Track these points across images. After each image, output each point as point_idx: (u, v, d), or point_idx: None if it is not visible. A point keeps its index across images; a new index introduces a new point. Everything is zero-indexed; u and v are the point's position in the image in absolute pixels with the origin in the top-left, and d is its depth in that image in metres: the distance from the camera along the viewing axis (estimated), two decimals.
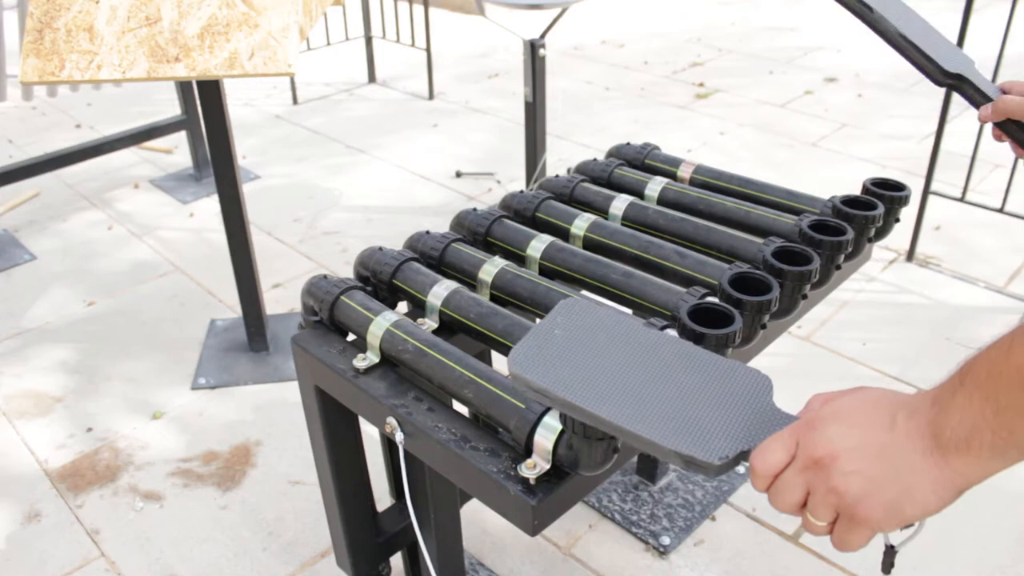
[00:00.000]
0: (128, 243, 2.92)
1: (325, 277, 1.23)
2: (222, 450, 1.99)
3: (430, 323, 1.18)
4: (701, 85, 4.22)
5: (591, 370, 0.76)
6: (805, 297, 1.14)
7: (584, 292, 1.19)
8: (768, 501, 0.68)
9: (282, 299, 2.56)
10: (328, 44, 4.37)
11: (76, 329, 2.46)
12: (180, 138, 3.58)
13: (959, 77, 1.06)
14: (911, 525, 0.66)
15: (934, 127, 2.52)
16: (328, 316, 1.19)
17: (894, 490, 0.62)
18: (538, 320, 1.16)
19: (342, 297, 1.19)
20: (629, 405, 0.73)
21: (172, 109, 3.48)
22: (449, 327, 1.17)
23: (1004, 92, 1.05)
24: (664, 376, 0.75)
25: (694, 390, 0.74)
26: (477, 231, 1.32)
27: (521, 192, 1.41)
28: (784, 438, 0.67)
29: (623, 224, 1.35)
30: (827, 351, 2.24)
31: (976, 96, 1.06)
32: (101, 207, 3.18)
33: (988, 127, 1.07)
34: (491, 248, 1.32)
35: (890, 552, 0.73)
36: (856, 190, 1.31)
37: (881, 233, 1.29)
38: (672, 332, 0.84)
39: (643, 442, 0.71)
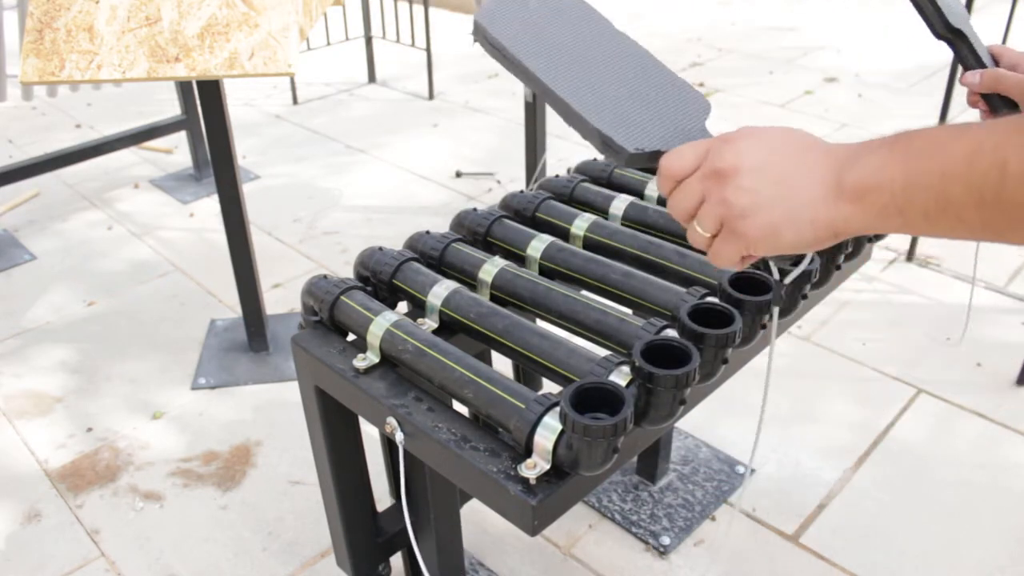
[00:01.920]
0: (128, 243, 2.92)
1: (325, 277, 1.23)
2: (222, 450, 1.99)
3: (430, 323, 1.18)
4: (701, 85, 4.22)
5: (551, 44, 0.79)
6: (805, 297, 1.14)
7: (584, 292, 1.19)
8: (667, 207, 0.71)
9: (282, 299, 2.56)
10: (328, 44, 4.37)
11: (76, 329, 2.46)
12: (180, 138, 3.58)
13: (959, 33, 1.00)
14: (797, 263, 0.69)
15: None
16: (328, 316, 1.19)
17: (778, 214, 0.64)
18: (539, 321, 1.16)
19: (342, 297, 1.19)
20: (574, 82, 0.76)
21: (172, 109, 3.48)
22: (449, 327, 1.17)
23: (994, 58, 1.01)
24: (616, 70, 0.78)
25: (639, 89, 0.76)
26: (477, 231, 1.32)
27: (521, 192, 1.41)
28: (696, 147, 0.69)
29: (623, 224, 1.35)
30: (827, 351, 2.24)
31: (970, 58, 1.01)
32: (101, 207, 3.18)
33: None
34: (491, 248, 1.32)
35: (778, 286, 0.79)
36: None
37: (881, 233, 1.29)
38: (628, 38, 0.84)
39: (572, 115, 0.74)
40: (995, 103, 1.00)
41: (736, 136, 0.67)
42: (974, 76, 1.00)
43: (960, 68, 1.04)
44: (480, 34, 0.78)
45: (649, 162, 0.71)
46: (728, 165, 0.65)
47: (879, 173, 0.60)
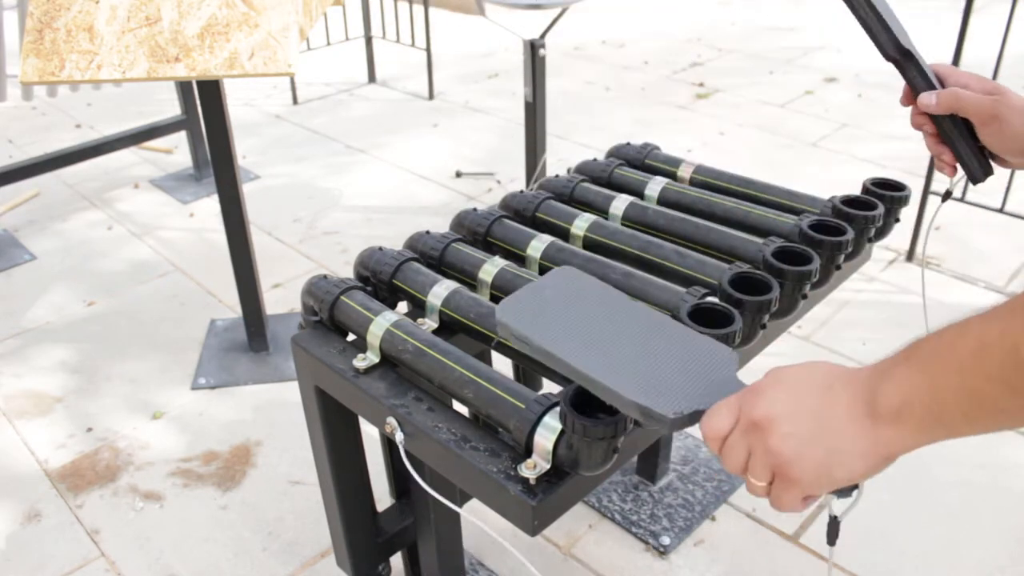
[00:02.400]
0: (128, 243, 2.92)
1: (325, 277, 1.23)
2: (222, 450, 2.00)
3: (430, 323, 1.18)
4: (701, 85, 4.23)
5: (571, 327, 0.84)
6: (805, 297, 1.14)
7: None
8: (721, 463, 0.73)
9: (282, 299, 2.56)
10: (328, 44, 4.37)
11: (76, 329, 2.46)
12: (180, 138, 3.58)
13: (908, 54, 1.02)
14: (849, 495, 0.69)
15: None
16: (328, 316, 1.19)
17: (823, 453, 0.65)
18: None
19: (342, 297, 1.19)
20: (600, 359, 0.79)
21: (172, 109, 3.48)
22: (449, 327, 1.17)
23: (940, 79, 1.01)
24: (638, 340, 0.82)
25: (663, 354, 0.79)
26: (477, 231, 1.32)
27: (521, 192, 1.40)
28: (731, 403, 0.71)
29: (623, 224, 1.35)
30: (827, 351, 2.24)
31: (918, 79, 1.01)
32: (101, 207, 3.18)
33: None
34: (491, 248, 1.32)
35: (833, 523, 0.76)
36: (856, 190, 1.31)
37: (881, 233, 1.29)
38: (644, 307, 0.89)
39: (606, 391, 0.77)
40: (944, 125, 0.99)
41: (764, 385, 0.70)
42: (929, 97, 0.99)
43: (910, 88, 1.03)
44: (505, 330, 0.84)
45: (691, 423, 0.74)
46: (763, 416, 0.67)
47: (905, 391, 0.61)
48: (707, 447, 0.73)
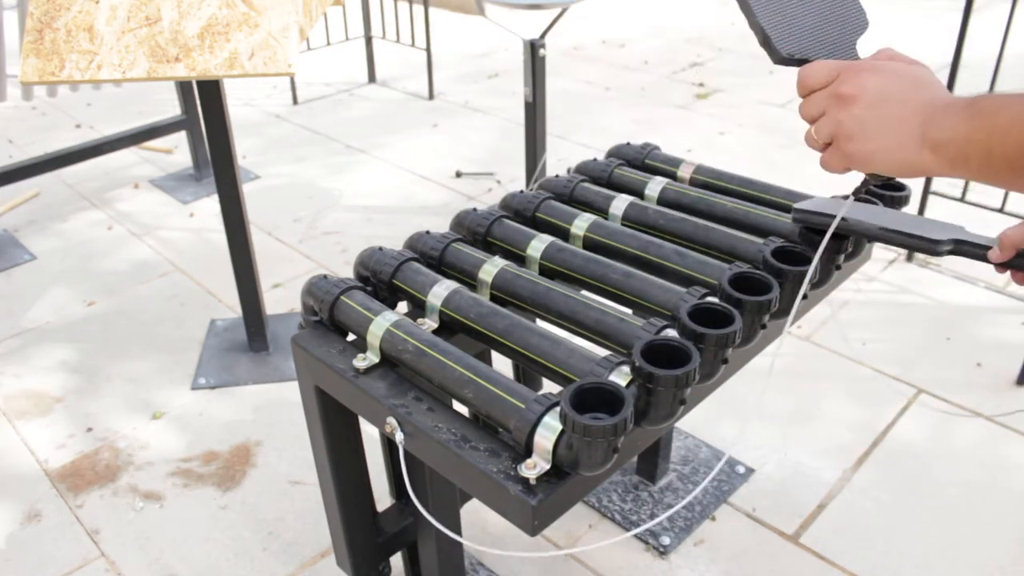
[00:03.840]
0: (128, 243, 2.92)
1: (325, 277, 1.23)
2: (222, 450, 2.00)
3: (430, 323, 1.18)
4: (701, 85, 4.23)
5: None
6: (805, 297, 1.14)
7: (584, 292, 1.19)
8: (798, 111, 0.86)
9: (282, 299, 2.56)
10: (328, 44, 4.38)
11: (76, 329, 2.46)
12: (180, 138, 3.58)
13: (955, 240, 1.05)
14: (883, 177, 0.85)
15: None
16: (328, 316, 1.19)
17: (875, 146, 0.79)
18: (539, 321, 1.16)
19: (342, 297, 1.19)
20: None
21: (172, 109, 3.48)
22: (449, 327, 1.17)
23: (1005, 240, 1.01)
24: None
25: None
26: (477, 231, 1.32)
27: (521, 192, 1.40)
28: (831, 66, 0.83)
29: (623, 224, 1.35)
30: (827, 351, 2.24)
31: (976, 250, 1.03)
32: (101, 207, 3.18)
33: None
34: (491, 248, 1.32)
35: (865, 183, 0.91)
36: None
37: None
38: None
39: (747, 7, 0.85)
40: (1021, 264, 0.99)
41: (863, 67, 0.81)
42: (994, 253, 1.01)
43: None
44: None
45: (796, 64, 0.84)
46: (848, 92, 0.80)
47: (950, 131, 0.74)
48: (797, 90, 0.86)
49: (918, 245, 1.07)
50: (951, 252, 1.06)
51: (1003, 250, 1.01)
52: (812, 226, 1.15)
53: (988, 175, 0.73)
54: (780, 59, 0.84)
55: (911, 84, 0.79)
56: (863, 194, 0.90)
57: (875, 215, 1.11)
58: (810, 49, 0.84)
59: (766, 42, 0.84)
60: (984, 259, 1.04)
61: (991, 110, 0.72)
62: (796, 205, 1.11)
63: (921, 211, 2.60)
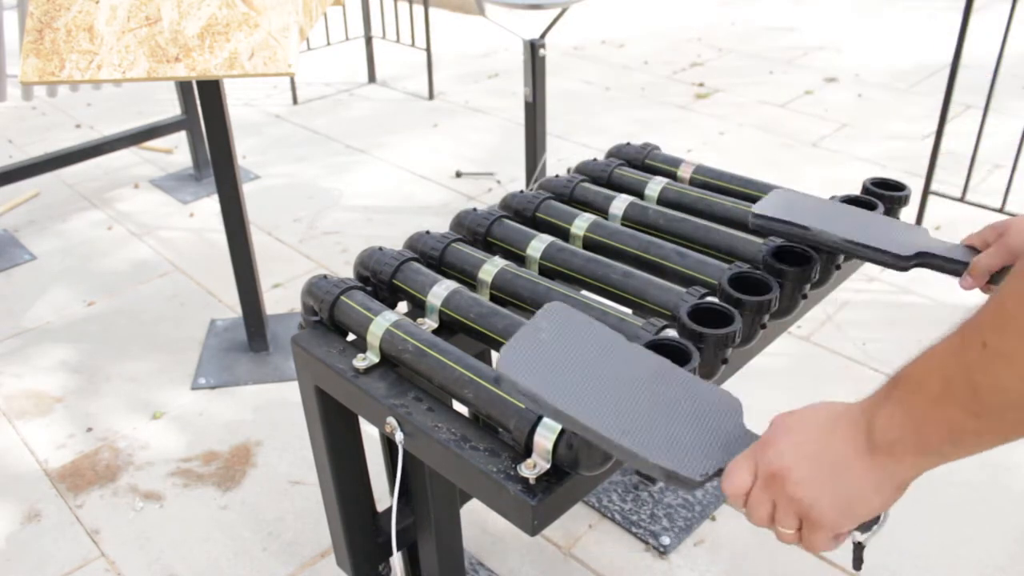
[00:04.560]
0: (128, 243, 2.92)
1: (325, 277, 1.23)
2: (222, 450, 1.99)
3: (430, 323, 1.18)
4: (701, 85, 4.22)
5: (575, 377, 0.81)
6: (805, 297, 1.14)
7: (584, 292, 1.19)
8: (749, 519, 0.74)
9: (282, 299, 2.56)
10: (328, 44, 4.37)
11: (76, 329, 2.46)
12: (180, 138, 3.58)
13: (921, 255, 1.04)
14: (876, 521, 0.72)
15: (934, 127, 2.52)
16: (328, 316, 1.19)
17: (840, 492, 0.68)
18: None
19: (342, 297, 1.19)
20: (613, 416, 0.77)
21: (172, 109, 3.48)
22: (449, 327, 1.17)
23: (970, 248, 1.03)
24: (645, 390, 0.80)
25: (673, 406, 0.79)
26: (477, 231, 1.32)
27: (521, 192, 1.40)
28: (746, 459, 0.73)
29: (623, 224, 1.35)
30: (827, 351, 2.24)
31: (946, 265, 1.04)
32: (101, 207, 3.18)
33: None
34: (491, 248, 1.32)
35: (858, 548, 0.76)
36: (856, 190, 1.31)
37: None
38: (641, 349, 0.86)
39: (628, 455, 0.75)
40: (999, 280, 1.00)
41: (772, 437, 0.72)
42: (966, 281, 1.02)
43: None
44: (509, 386, 0.81)
45: (713, 480, 0.75)
46: (777, 468, 0.70)
47: (894, 427, 0.65)
48: (731, 504, 0.74)
49: (883, 260, 1.04)
50: (919, 266, 1.05)
51: (975, 278, 1.01)
52: (773, 234, 1.11)
53: (968, 442, 0.62)
54: (697, 485, 0.74)
55: (823, 415, 0.71)
56: (860, 562, 0.76)
57: (840, 223, 1.06)
58: (717, 458, 0.75)
59: (674, 478, 0.74)
60: (953, 273, 1.03)
61: (917, 379, 0.64)
62: (755, 208, 1.05)
63: (921, 211, 2.60)
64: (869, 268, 2.60)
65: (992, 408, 0.58)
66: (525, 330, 0.86)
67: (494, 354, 1.47)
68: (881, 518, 0.72)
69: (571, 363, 0.82)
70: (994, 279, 1.00)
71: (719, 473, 0.74)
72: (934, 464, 0.65)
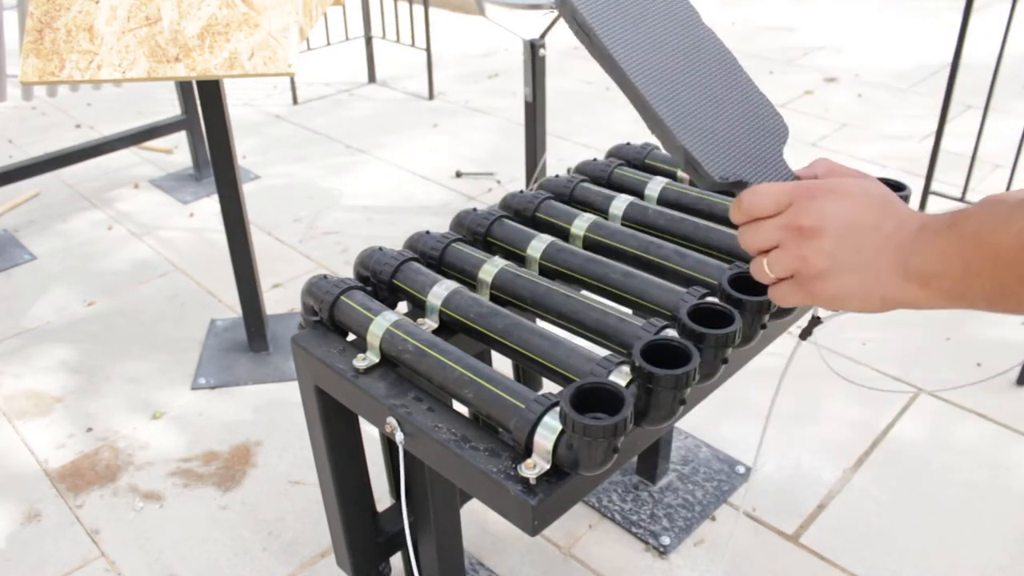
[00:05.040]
0: (128, 243, 2.92)
1: (325, 277, 1.23)
2: (222, 450, 1.99)
3: (430, 323, 1.18)
4: None
5: (640, 34, 0.74)
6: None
7: (584, 292, 1.19)
8: (738, 237, 0.72)
9: (282, 299, 2.56)
10: (328, 44, 4.37)
11: (76, 329, 2.46)
12: (180, 138, 3.58)
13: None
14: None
15: (934, 127, 2.52)
16: (328, 316, 1.19)
17: (851, 283, 0.68)
18: (539, 321, 1.16)
19: (342, 297, 1.19)
20: (662, 86, 0.72)
21: (172, 109, 3.48)
22: (449, 327, 1.17)
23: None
24: (703, 76, 0.74)
25: (723, 103, 0.73)
26: (477, 231, 1.32)
27: (521, 192, 1.41)
28: (781, 191, 0.69)
29: (623, 224, 1.35)
30: (827, 351, 2.24)
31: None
32: (101, 207, 3.18)
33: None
34: (491, 248, 1.32)
35: (814, 322, 0.77)
36: None
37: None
38: (715, 37, 0.78)
39: (659, 124, 0.71)
40: None
41: (821, 192, 0.68)
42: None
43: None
44: (567, 10, 0.72)
45: (730, 189, 0.71)
46: (811, 224, 0.67)
47: (940, 261, 0.62)
48: (730, 213, 0.71)
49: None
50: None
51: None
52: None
53: (1002, 305, 0.61)
54: (712, 184, 0.70)
55: (878, 206, 0.67)
56: (808, 334, 0.74)
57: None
58: (743, 170, 0.70)
59: (693, 166, 0.70)
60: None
61: (986, 230, 0.60)
62: None
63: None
64: None
65: None
66: None
67: (494, 354, 1.47)
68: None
69: (642, 17, 0.75)
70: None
71: (738, 185, 0.70)
72: (952, 307, 0.65)
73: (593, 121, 3.82)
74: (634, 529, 1.73)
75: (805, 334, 0.76)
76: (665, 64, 0.73)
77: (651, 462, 1.82)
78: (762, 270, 0.71)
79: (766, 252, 0.71)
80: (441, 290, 1.17)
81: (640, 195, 1.43)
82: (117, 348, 2.37)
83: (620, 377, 0.96)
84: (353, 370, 1.12)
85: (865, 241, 0.66)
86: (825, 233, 0.67)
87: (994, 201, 0.61)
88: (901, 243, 0.65)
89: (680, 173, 1.49)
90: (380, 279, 1.23)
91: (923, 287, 0.64)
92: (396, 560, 1.58)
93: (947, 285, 0.62)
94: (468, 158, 3.50)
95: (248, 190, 3.24)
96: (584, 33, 0.72)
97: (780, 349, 2.30)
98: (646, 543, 1.71)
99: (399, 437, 1.05)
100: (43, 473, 1.95)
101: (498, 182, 3.27)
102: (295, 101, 4.14)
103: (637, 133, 3.64)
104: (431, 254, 1.28)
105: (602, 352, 1.02)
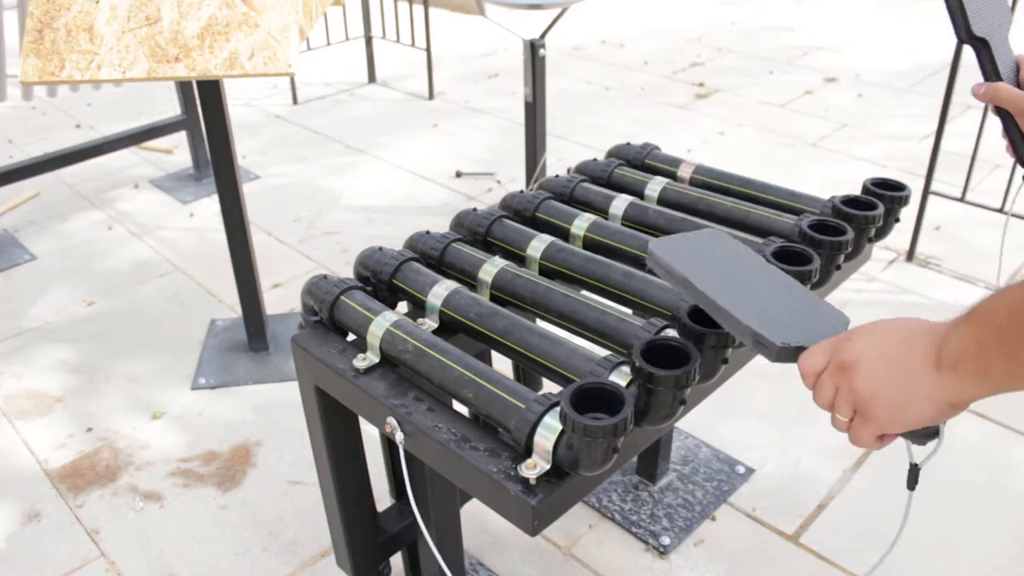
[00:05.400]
0: (128, 243, 2.92)
1: (325, 277, 1.23)
2: (222, 450, 1.99)
3: (430, 323, 1.18)
4: (701, 85, 4.22)
5: (709, 267, 0.95)
6: None
7: (584, 292, 1.19)
8: (813, 399, 0.82)
9: (282, 299, 2.56)
10: (328, 44, 4.37)
11: (76, 329, 2.46)
12: (180, 138, 3.58)
13: (983, 41, 1.03)
14: (923, 442, 0.79)
15: (934, 127, 2.52)
16: (328, 316, 1.19)
17: (899, 395, 0.74)
18: (539, 321, 1.16)
19: (342, 297, 1.19)
20: (727, 293, 0.91)
21: (172, 109, 3.48)
22: (449, 327, 1.17)
23: (1019, 67, 1.06)
24: (765, 287, 0.93)
25: (785, 302, 0.90)
26: (477, 231, 1.32)
27: (521, 192, 1.41)
28: (826, 345, 0.81)
29: (623, 224, 1.35)
30: None
31: (988, 67, 1.04)
32: (101, 207, 3.18)
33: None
34: (491, 248, 1.32)
35: (914, 469, 0.85)
36: (856, 190, 1.31)
37: (881, 233, 1.29)
38: (779, 272, 0.97)
39: (726, 316, 0.88)
40: (1000, 113, 1.06)
41: (855, 333, 0.78)
42: (979, 88, 1.06)
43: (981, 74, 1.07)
44: (653, 260, 0.97)
45: (793, 357, 0.83)
46: (850, 359, 0.76)
47: (961, 348, 0.69)
48: (803, 383, 0.82)
49: (956, 20, 1.02)
50: (974, 48, 1.04)
51: (986, 94, 1.03)
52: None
53: (1017, 376, 0.67)
54: (777, 352, 0.83)
55: (906, 327, 0.76)
56: (915, 482, 0.85)
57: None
58: (802, 338, 0.84)
59: (757, 340, 0.84)
60: (984, 77, 1.05)
61: (988, 309, 0.69)
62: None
63: (921, 211, 2.60)
64: (869, 268, 2.60)
65: None
66: (683, 234, 1.01)
67: (494, 354, 1.47)
68: (938, 440, 0.78)
69: (710, 259, 0.97)
70: (1000, 112, 1.05)
71: (799, 350, 0.82)
72: (991, 392, 0.70)
73: (593, 121, 3.82)
74: (634, 529, 1.73)
75: (911, 483, 0.86)
76: (730, 282, 0.93)
77: (651, 462, 1.82)
78: (836, 419, 0.79)
79: (833, 404, 0.79)
80: (441, 290, 1.17)
81: (640, 195, 1.43)
82: (117, 348, 2.37)
83: (620, 377, 0.96)
84: (353, 370, 1.12)
85: (899, 355, 0.74)
86: (862, 360, 0.75)
87: (1002, 289, 0.69)
88: (931, 344, 0.72)
89: (680, 173, 1.49)
90: (380, 279, 1.23)
91: (953, 374, 0.70)
92: (396, 560, 1.58)
93: (970, 366, 0.69)
94: (468, 158, 3.50)
95: (248, 190, 3.24)
96: (665, 270, 0.96)
97: None
98: (646, 543, 1.71)
99: (399, 437, 1.05)
100: (43, 473, 1.95)
101: (498, 182, 3.27)
102: (295, 101, 4.15)
103: (637, 133, 3.64)
104: (431, 254, 1.28)
105: (602, 352, 1.03)
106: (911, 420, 0.74)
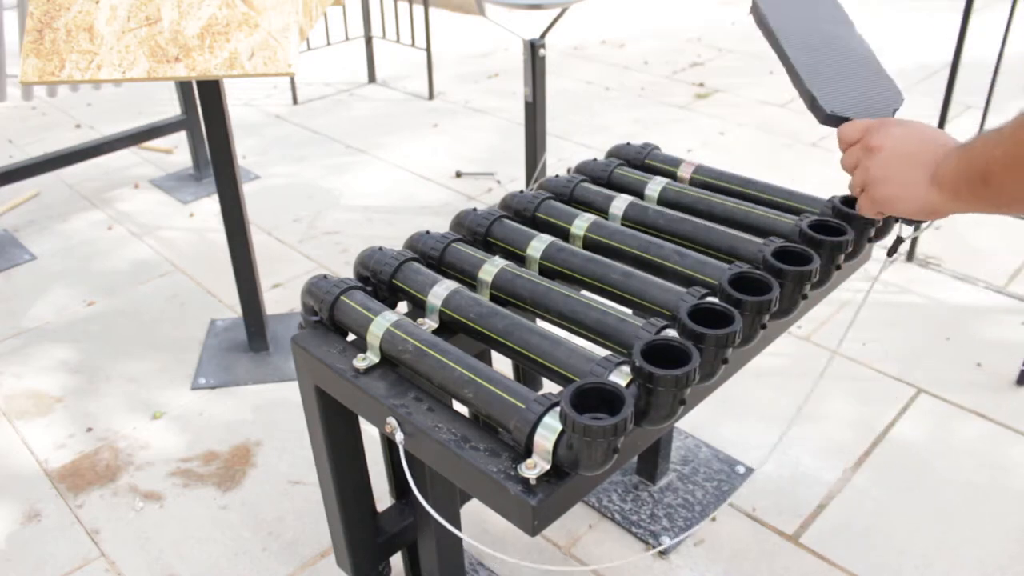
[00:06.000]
0: (128, 243, 2.92)
1: (325, 277, 1.23)
2: (222, 450, 2.00)
3: (430, 323, 1.18)
4: (701, 85, 4.22)
5: (800, 24, 1.10)
6: (805, 297, 1.14)
7: (584, 292, 1.19)
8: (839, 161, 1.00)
9: (282, 299, 2.56)
10: (328, 44, 4.37)
11: (76, 329, 2.46)
12: (180, 138, 3.58)
13: (840, 119, 1.06)
14: (916, 227, 1.00)
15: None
16: (328, 316, 1.19)
17: (898, 188, 0.92)
18: (539, 321, 1.16)
19: (342, 297, 1.19)
20: (806, 54, 1.06)
21: (172, 109, 3.48)
22: (449, 327, 1.17)
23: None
24: (842, 53, 1.07)
25: (854, 72, 1.05)
26: (477, 231, 1.32)
27: (521, 192, 1.40)
28: (865, 123, 0.97)
29: (623, 224, 1.35)
30: (827, 351, 2.24)
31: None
32: (101, 207, 3.18)
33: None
34: (491, 248, 1.32)
35: (897, 240, 1.03)
36: None
37: (881, 233, 1.29)
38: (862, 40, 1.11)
39: (795, 75, 1.04)
40: None
41: (890, 121, 0.95)
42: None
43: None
44: (754, 7, 1.12)
45: (837, 124, 0.99)
46: (876, 144, 0.93)
47: (952, 168, 0.85)
48: (838, 145, 1.00)
49: (809, 104, 1.10)
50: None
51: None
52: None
53: (980, 199, 0.82)
54: (825, 117, 0.99)
55: (931, 135, 0.91)
56: (895, 251, 1.03)
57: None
58: (852, 111, 0.99)
59: (813, 102, 1.00)
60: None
61: (970, 142, 0.83)
62: None
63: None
64: (869, 268, 2.60)
65: (996, 191, 0.79)
66: None
67: (494, 354, 1.47)
68: (926, 224, 1.00)
69: (803, 14, 1.11)
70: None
71: (843, 119, 0.98)
72: (963, 210, 0.87)
73: (593, 121, 3.82)
74: (634, 529, 1.73)
75: (892, 251, 1.03)
76: (813, 42, 1.07)
77: (651, 462, 1.82)
78: (852, 186, 0.97)
79: (852, 173, 0.97)
80: (441, 290, 1.17)
81: (640, 195, 1.43)
82: (117, 348, 2.37)
83: (620, 377, 0.96)
84: (353, 370, 1.12)
85: (911, 156, 0.90)
86: (884, 149, 0.92)
87: (1001, 129, 0.80)
88: (935, 159, 0.88)
89: (680, 173, 1.49)
90: (380, 279, 1.23)
91: (940, 190, 0.86)
92: (396, 560, 1.58)
93: (950, 186, 0.85)
94: (468, 158, 3.50)
95: (248, 190, 3.24)
96: (762, 24, 1.11)
97: (780, 349, 2.31)
98: (646, 543, 1.71)
99: (399, 437, 1.05)
100: (43, 473, 1.95)
101: (498, 182, 3.27)
102: (295, 101, 4.15)
103: (637, 133, 3.64)
104: (431, 254, 1.28)
105: (602, 352, 1.03)
106: (900, 211, 0.93)
